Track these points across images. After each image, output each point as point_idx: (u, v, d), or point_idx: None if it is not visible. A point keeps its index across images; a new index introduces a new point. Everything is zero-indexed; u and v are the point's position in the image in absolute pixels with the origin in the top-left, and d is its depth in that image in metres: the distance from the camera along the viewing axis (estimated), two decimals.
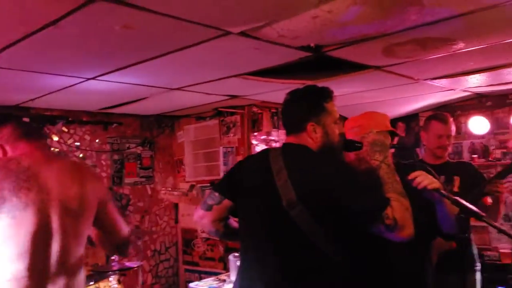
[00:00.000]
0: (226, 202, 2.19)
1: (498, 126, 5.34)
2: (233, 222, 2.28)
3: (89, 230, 2.28)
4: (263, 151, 2.28)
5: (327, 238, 1.91)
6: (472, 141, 5.56)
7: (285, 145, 2.17)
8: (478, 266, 3.34)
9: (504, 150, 5.29)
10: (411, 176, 2.01)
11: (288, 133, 2.19)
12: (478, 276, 3.32)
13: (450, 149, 3.41)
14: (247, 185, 2.14)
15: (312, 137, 2.07)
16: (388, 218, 1.82)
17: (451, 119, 3.36)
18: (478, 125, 5.29)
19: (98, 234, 2.37)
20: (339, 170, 2.00)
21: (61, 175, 2.15)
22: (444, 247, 3.04)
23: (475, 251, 3.39)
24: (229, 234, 2.29)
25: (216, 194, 2.22)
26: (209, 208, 2.22)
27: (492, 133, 5.35)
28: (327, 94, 2.13)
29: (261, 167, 2.09)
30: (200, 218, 2.27)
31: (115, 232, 2.35)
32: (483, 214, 1.88)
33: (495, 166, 5.28)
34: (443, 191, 1.98)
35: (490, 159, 5.37)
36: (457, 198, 1.92)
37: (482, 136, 5.42)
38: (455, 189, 3.24)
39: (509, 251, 4.90)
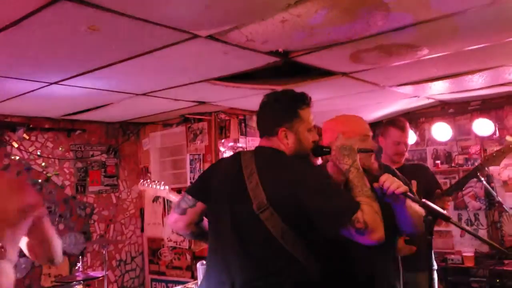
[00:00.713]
0: (200, 205, 2.18)
1: (460, 132, 5.48)
2: (206, 222, 2.26)
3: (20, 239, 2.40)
4: (235, 154, 2.26)
5: (296, 242, 1.91)
6: (435, 147, 5.68)
7: (257, 148, 2.16)
8: (435, 266, 3.44)
9: (466, 156, 5.43)
10: (380, 180, 2.00)
11: (261, 136, 2.18)
12: (435, 275, 3.41)
13: (407, 154, 3.48)
14: (219, 188, 2.12)
15: (283, 143, 2.06)
16: (358, 222, 1.83)
17: (408, 125, 3.43)
18: (441, 131, 5.41)
19: (30, 245, 2.44)
20: (309, 174, 2.00)
21: (7, 187, 2.26)
22: (404, 252, 3.09)
23: (432, 254, 3.49)
24: (204, 234, 2.27)
25: (190, 197, 2.20)
26: (183, 212, 2.20)
27: (454, 139, 5.48)
28: (303, 100, 2.12)
29: (233, 170, 2.08)
30: (174, 222, 2.25)
31: (48, 244, 2.44)
32: (450, 216, 1.91)
33: (457, 172, 5.41)
34: (409, 194, 1.99)
35: (453, 164, 5.51)
36: (425, 200, 1.94)
37: (445, 143, 5.56)
38: None
39: (472, 254, 5.01)
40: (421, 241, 3.21)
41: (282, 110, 2.09)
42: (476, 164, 4.76)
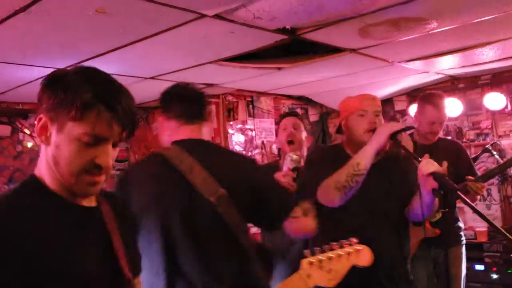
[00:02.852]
0: None
1: (470, 107, 5.41)
2: None
3: None
4: (151, 155, 2.13)
5: (248, 235, 1.91)
6: (446, 123, 5.62)
7: (182, 141, 1.97)
8: (464, 240, 3.39)
9: (477, 131, 5.39)
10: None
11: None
12: (463, 249, 3.37)
13: (441, 132, 3.45)
14: (146, 196, 1.90)
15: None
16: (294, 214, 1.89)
17: (444, 103, 3.35)
18: (452, 107, 5.35)
19: None
20: (256, 165, 2.09)
21: None
22: (429, 234, 3.09)
23: (462, 226, 3.43)
24: None
25: None
26: None
27: (465, 114, 5.42)
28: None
29: (160, 172, 1.92)
30: None
31: None
32: (458, 188, 1.92)
33: (469, 147, 5.37)
34: None
35: (464, 140, 5.46)
36: (435, 171, 1.98)
37: (456, 118, 5.50)
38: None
39: (485, 229, 5.00)
40: (447, 218, 3.20)
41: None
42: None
